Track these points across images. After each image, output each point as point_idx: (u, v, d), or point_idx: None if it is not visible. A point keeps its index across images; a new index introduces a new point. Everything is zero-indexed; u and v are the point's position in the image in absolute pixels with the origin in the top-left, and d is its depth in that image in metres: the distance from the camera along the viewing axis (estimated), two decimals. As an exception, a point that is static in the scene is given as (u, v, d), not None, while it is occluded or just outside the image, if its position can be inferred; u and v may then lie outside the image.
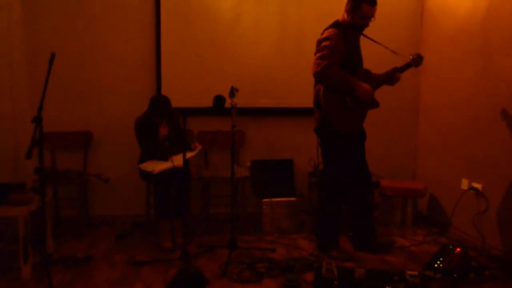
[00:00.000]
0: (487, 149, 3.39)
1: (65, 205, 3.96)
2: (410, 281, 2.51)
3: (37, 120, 2.41)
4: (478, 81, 3.49)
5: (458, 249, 2.97)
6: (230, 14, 4.09)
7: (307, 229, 3.84)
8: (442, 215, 3.94)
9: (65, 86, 3.92)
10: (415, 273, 2.59)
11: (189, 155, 3.41)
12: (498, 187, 3.29)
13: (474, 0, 3.52)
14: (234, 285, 2.76)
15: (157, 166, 3.37)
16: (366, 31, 3.17)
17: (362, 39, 3.24)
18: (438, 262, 2.88)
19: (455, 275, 2.77)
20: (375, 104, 3.18)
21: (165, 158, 3.45)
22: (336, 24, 3.08)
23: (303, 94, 4.18)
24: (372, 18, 3.05)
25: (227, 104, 3.04)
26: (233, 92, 3.06)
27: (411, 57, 3.19)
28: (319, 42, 3.03)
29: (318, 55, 2.98)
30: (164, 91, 3.94)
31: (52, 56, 2.49)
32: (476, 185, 3.48)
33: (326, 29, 3.08)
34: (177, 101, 3.61)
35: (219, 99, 3.01)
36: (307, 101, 4.19)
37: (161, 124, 3.52)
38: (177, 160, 3.29)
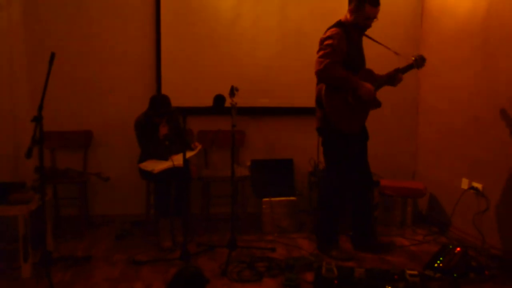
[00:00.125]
0: (487, 149, 3.39)
1: (65, 204, 3.96)
2: (410, 280, 2.51)
3: (37, 119, 2.41)
4: (478, 81, 3.49)
5: (458, 249, 2.97)
6: (230, 13, 4.09)
7: (307, 228, 3.84)
8: (442, 214, 3.94)
9: (65, 86, 3.93)
10: (415, 272, 2.59)
11: (189, 154, 3.42)
12: (498, 187, 3.29)
13: (474, 0, 3.52)
14: (234, 285, 2.76)
15: (157, 166, 3.37)
16: (368, 31, 3.17)
17: (365, 40, 3.24)
18: (438, 261, 2.89)
19: (455, 275, 2.77)
20: (377, 104, 3.18)
21: (165, 158, 3.45)
22: (339, 24, 3.09)
23: (303, 94, 4.19)
24: (375, 19, 3.06)
25: (227, 103, 3.04)
26: (233, 91, 3.06)
27: (413, 58, 3.19)
28: (322, 41, 3.03)
29: (320, 53, 2.98)
30: (164, 91, 3.94)
31: (52, 56, 2.49)
32: (476, 184, 3.49)
33: (329, 29, 3.09)
34: (177, 101, 3.61)
35: (219, 99, 3.01)
36: (307, 101, 4.19)
37: (161, 123, 3.52)
38: (177, 159, 3.29)
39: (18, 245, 2.81)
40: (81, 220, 3.74)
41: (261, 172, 4.07)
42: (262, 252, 3.27)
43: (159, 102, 3.46)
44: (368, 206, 3.37)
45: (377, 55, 3.33)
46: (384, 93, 3.28)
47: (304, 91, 4.19)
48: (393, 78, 3.20)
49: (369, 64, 3.28)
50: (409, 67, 3.20)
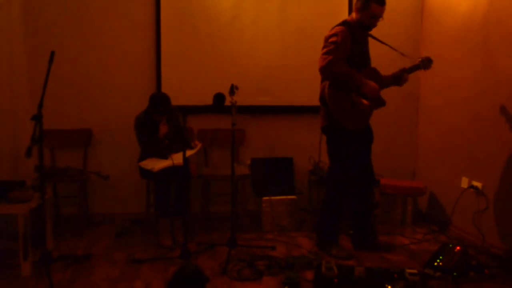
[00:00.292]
0: (487, 148, 3.38)
1: (65, 202, 3.96)
2: (410, 279, 2.51)
3: (37, 117, 2.41)
4: (478, 80, 3.49)
5: (458, 248, 2.97)
6: (230, 12, 4.08)
7: (307, 227, 3.84)
8: (442, 213, 3.94)
9: (65, 84, 3.93)
10: (415, 271, 2.59)
11: (189, 153, 3.42)
12: (498, 186, 3.29)
13: (475, -2, 3.52)
14: (234, 283, 2.76)
15: (157, 164, 3.37)
16: (372, 31, 3.18)
17: (371, 40, 3.24)
18: (438, 260, 2.89)
19: (454, 274, 2.77)
20: (381, 103, 3.18)
21: (165, 156, 3.45)
22: (344, 23, 3.10)
23: (303, 92, 4.20)
24: (380, 18, 3.07)
25: (227, 102, 3.04)
26: (233, 90, 3.05)
27: (419, 59, 3.20)
28: (326, 38, 3.03)
29: (324, 50, 2.98)
30: (164, 89, 3.94)
31: (52, 54, 2.48)
32: (476, 183, 3.48)
33: (334, 27, 3.09)
34: (177, 99, 3.61)
35: (219, 97, 3.01)
36: (307, 99, 4.21)
37: (161, 122, 3.52)
38: (177, 158, 3.29)
39: (18, 244, 2.80)
40: (81, 219, 3.74)
41: (261, 170, 4.08)
42: (262, 251, 3.28)
43: (159, 100, 3.46)
44: (369, 205, 3.37)
45: (377, 55, 3.32)
46: (384, 93, 3.28)
47: (304, 89, 4.20)
48: (398, 78, 3.20)
49: (372, 64, 3.28)
50: (415, 68, 3.21)
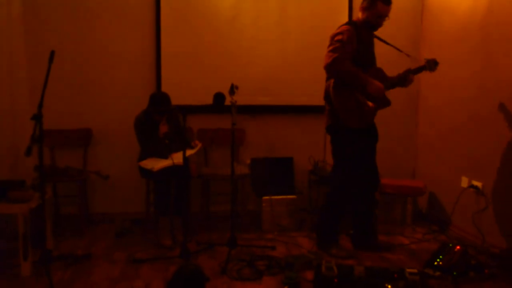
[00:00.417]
0: (487, 147, 3.38)
1: (65, 202, 3.96)
2: (410, 279, 2.51)
3: (37, 117, 2.41)
4: (478, 80, 3.49)
5: (458, 247, 2.97)
6: (230, 11, 4.08)
7: (307, 227, 3.84)
8: (442, 213, 3.94)
9: (65, 84, 3.92)
10: (415, 271, 2.58)
11: (189, 153, 3.41)
12: (498, 185, 3.29)
13: (475, -2, 3.52)
14: (234, 283, 2.76)
15: (157, 164, 3.37)
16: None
17: (376, 41, 3.25)
18: (438, 260, 2.89)
19: (454, 273, 2.77)
20: (386, 103, 3.18)
21: (165, 156, 3.45)
22: (350, 22, 3.11)
23: (303, 92, 4.20)
24: (386, 18, 3.08)
25: (227, 101, 3.04)
26: (233, 89, 3.05)
27: (425, 60, 3.20)
28: (332, 37, 3.04)
29: (330, 48, 2.99)
30: (164, 89, 3.94)
31: (52, 54, 2.48)
32: (476, 183, 3.48)
33: (340, 26, 3.09)
34: (177, 99, 3.61)
35: (219, 97, 3.01)
36: (307, 99, 4.21)
37: (161, 121, 3.52)
38: (177, 157, 3.29)
39: (18, 244, 2.80)
40: (81, 218, 3.74)
41: (261, 170, 4.07)
42: (262, 251, 3.28)
43: (159, 100, 3.46)
44: (371, 205, 3.37)
45: (378, 54, 3.32)
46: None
47: (304, 89, 4.21)
48: (404, 79, 3.20)
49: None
50: (420, 69, 3.21)
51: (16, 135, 3.68)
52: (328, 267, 2.61)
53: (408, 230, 3.84)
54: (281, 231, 3.75)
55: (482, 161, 3.44)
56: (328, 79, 3.12)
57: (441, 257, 2.91)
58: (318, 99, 4.14)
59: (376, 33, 3.20)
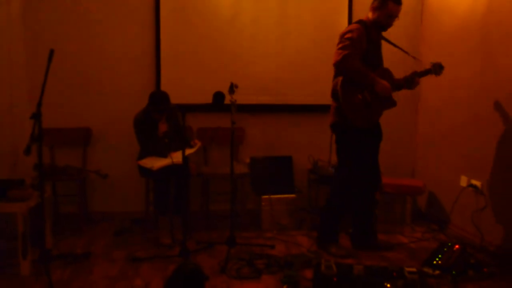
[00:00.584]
0: (486, 147, 3.38)
1: (64, 201, 3.96)
2: (409, 277, 2.51)
3: (36, 116, 2.41)
4: (477, 79, 3.49)
5: (457, 246, 2.97)
6: (230, 11, 4.08)
7: (307, 226, 3.84)
8: (441, 212, 3.94)
9: (64, 82, 3.92)
10: (414, 270, 2.58)
11: (188, 151, 3.42)
12: (497, 185, 3.30)
13: (474, -3, 3.52)
14: (233, 282, 2.76)
15: (156, 163, 3.37)
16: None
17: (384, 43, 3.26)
18: (437, 259, 2.89)
19: (453, 272, 2.78)
20: (392, 103, 3.19)
21: (164, 155, 3.45)
22: (360, 21, 3.11)
23: (303, 91, 4.21)
24: (396, 18, 3.10)
25: (227, 100, 3.04)
26: (232, 88, 3.05)
27: (431, 64, 3.22)
28: (342, 35, 3.05)
29: (339, 45, 3.00)
30: (163, 88, 3.94)
31: (51, 52, 2.48)
32: (475, 182, 3.49)
33: (349, 25, 3.09)
34: (176, 98, 3.60)
35: (218, 96, 3.01)
36: (307, 98, 4.22)
37: (160, 120, 3.52)
38: (176, 156, 3.29)
39: (17, 243, 2.80)
40: (80, 217, 3.74)
41: (260, 169, 4.07)
42: (261, 249, 3.28)
43: (158, 99, 3.46)
44: (372, 205, 3.37)
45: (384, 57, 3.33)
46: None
47: (304, 88, 4.21)
48: (410, 81, 3.22)
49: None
50: (426, 72, 3.22)
51: (16, 134, 3.67)
52: (328, 266, 2.61)
53: (407, 229, 3.85)
54: (280, 230, 3.75)
55: (481, 160, 3.44)
56: (335, 76, 3.12)
57: (440, 256, 2.91)
58: (317, 98, 4.18)
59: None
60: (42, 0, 3.86)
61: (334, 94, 3.13)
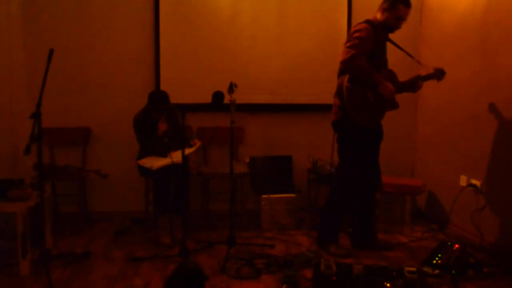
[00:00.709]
0: (486, 146, 3.39)
1: (64, 201, 3.96)
2: (408, 277, 2.51)
3: (36, 115, 2.41)
4: (477, 78, 3.49)
5: (457, 246, 2.97)
6: (229, 10, 4.08)
7: (306, 225, 3.84)
8: (441, 211, 3.95)
9: (64, 82, 3.92)
10: (413, 269, 2.59)
11: (188, 151, 3.42)
12: (496, 184, 3.30)
13: (474, -4, 3.52)
14: (233, 281, 2.76)
15: (156, 162, 3.37)
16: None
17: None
18: (437, 258, 2.89)
19: (453, 272, 2.78)
20: (395, 105, 3.20)
21: (164, 154, 3.45)
22: (368, 21, 3.11)
23: (302, 91, 4.21)
24: (404, 21, 3.12)
25: (226, 100, 3.04)
26: (232, 88, 3.05)
27: (433, 69, 3.27)
28: (351, 33, 3.06)
29: (348, 44, 3.00)
30: (163, 87, 3.94)
31: (51, 52, 2.48)
32: (475, 181, 3.49)
33: (358, 24, 3.10)
34: (176, 97, 3.60)
35: (218, 95, 3.01)
36: (306, 98, 4.22)
37: (160, 120, 3.52)
38: (176, 156, 3.29)
39: (17, 242, 2.80)
40: (80, 217, 3.74)
41: (260, 169, 4.08)
42: (261, 249, 3.28)
43: (158, 98, 3.46)
44: (372, 205, 3.37)
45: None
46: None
47: (303, 88, 4.21)
48: (414, 84, 3.25)
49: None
50: (429, 77, 3.28)
51: (15, 134, 3.67)
52: (327, 266, 2.61)
53: (407, 228, 3.85)
54: (280, 230, 3.75)
55: (481, 160, 3.44)
56: (341, 74, 3.12)
57: (439, 255, 2.91)
58: (317, 98, 4.18)
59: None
60: (41, 0, 3.86)
61: (339, 91, 3.12)
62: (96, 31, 3.96)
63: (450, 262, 2.83)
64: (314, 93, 4.19)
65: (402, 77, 3.26)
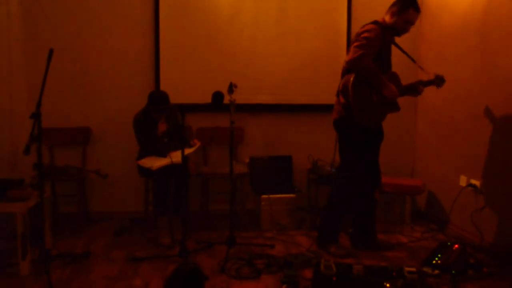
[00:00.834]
0: (485, 146, 3.39)
1: (64, 201, 3.96)
2: (408, 277, 2.51)
3: (36, 116, 2.41)
4: (476, 78, 3.49)
5: (456, 246, 2.97)
6: (229, 10, 4.08)
7: (306, 225, 3.84)
8: (441, 211, 3.95)
9: (63, 82, 3.92)
10: (413, 269, 2.59)
11: (188, 151, 3.42)
12: (496, 184, 3.30)
13: (474, -4, 3.52)
14: (233, 281, 2.76)
15: (155, 162, 3.37)
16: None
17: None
18: (436, 258, 2.89)
19: (453, 272, 2.78)
20: (396, 108, 3.21)
21: (163, 155, 3.45)
22: (376, 23, 3.11)
23: (302, 91, 4.21)
24: (412, 25, 3.14)
25: (226, 100, 3.04)
26: (231, 88, 3.05)
27: (434, 75, 3.31)
28: (359, 34, 3.05)
29: (356, 44, 3.00)
30: (162, 87, 3.94)
31: (51, 52, 2.48)
32: (475, 182, 3.49)
33: (365, 25, 3.10)
34: (175, 98, 3.61)
35: (217, 95, 3.01)
36: (306, 98, 4.22)
37: (160, 120, 3.52)
38: (176, 156, 3.29)
39: (17, 242, 2.80)
40: (80, 217, 3.74)
41: (260, 169, 4.08)
42: (261, 249, 3.28)
43: (157, 98, 3.46)
44: (372, 205, 3.37)
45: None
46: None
47: (303, 88, 4.21)
48: (414, 89, 3.27)
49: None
50: (430, 83, 3.32)
51: (15, 134, 3.67)
52: (327, 266, 2.61)
53: (407, 228, 3.85)
54: (280, 230, 3.75)
55: (480, 159, 3.44)
56: (346, 73, 3.11)
57: (439, 255, 2.91)
58: (317, 98, 4.19)
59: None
60: (41, 0, 3.86)
61: (344, 90, 3.11)
62: (96, 31, 3.96)
63: (450, 262, 2.83)
64: (314, 93, 4.19)
65: (402, 80, 3.26)
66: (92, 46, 3.97)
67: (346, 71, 3.11)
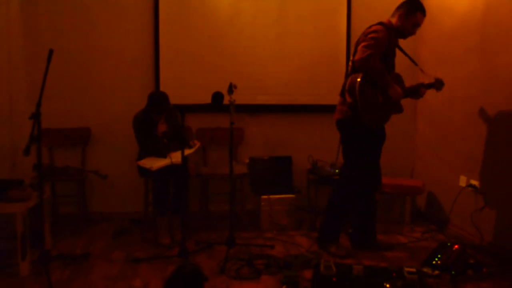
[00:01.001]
0: (485, 147, 3.39)
1: (64, 201, 3.96)
2: (408, 278, 2.52)
3: (35, 116, 2.40)
4: (476, 79, 3.49)
5: (456, 246, 2.97)
6: (229, 10, 4.08)
7: (306, 226, 3.84)
8: (440, 212, 3.95)
9: (63, 83, 3.92)
10: (413, 270, 2.59)
11: (187, 152, 3.42)
12: (496, 184, 3.30)
13: (473, -3, 3.52)
14: (233, 282, 2.76)
15: (155, 163, 3.37)
16: None
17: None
18: (436, 259, 2.89)
19: (453, 272, 2.78)
20: (399, 109, 3.21)
21: (163, 155, 3.45)
22: (383, 23, 3.12)
23: (302, 91, 4.21)
24: (418, 28, 3.16)
25: (226, 101, 3.04)
26: (231, 88, 3.05)
27: (434, 78, 3.34)
28: (366, 34, 3.06)
29: (364, 44, 3.00)
30: (162, 88, 3.94)
31: (50, 52, 2.48)
32: (474, 182, 3.49)
33: (373, 25, 3.11)
34: (175, 98, 3.60)
35: (217, 96, 3.01)
36: (306, 98, 4.22)
37: (159, 120, 3.52)
38: (176, 157, 3.29)
39: (16, 243, 2.80)
40: (80, 218, 3.74)
41: (259, 169, 4.08)
42: (261, 250, 3.28)
43: (157, 99, 3.46)
44: (372, 205, 3.37)
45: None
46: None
47: (303, 88, 4.21)
48: (416, 91, 3.30)
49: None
50: (430, 86, 3.34)
51: (15, 134, 3.67)
52: (327, 266, 2.61)
53: (407, 229, 3.85)
54: (279, 230, 3.75)
55: (480, 160, 3.44)
56: (353, 73, 3.10)
57: (439, 256, 2.91)
58: (317, 99, 4.19)
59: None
60: (41, 0, 3.85)
61: (350, 89, 3.11)
62: (96, 31, 3.96)
63: (450, 262, 2.83)
64: (314, 94, 4.19)
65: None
66: (92, 46, 3.97)
67: (353, 70, 3.11)
